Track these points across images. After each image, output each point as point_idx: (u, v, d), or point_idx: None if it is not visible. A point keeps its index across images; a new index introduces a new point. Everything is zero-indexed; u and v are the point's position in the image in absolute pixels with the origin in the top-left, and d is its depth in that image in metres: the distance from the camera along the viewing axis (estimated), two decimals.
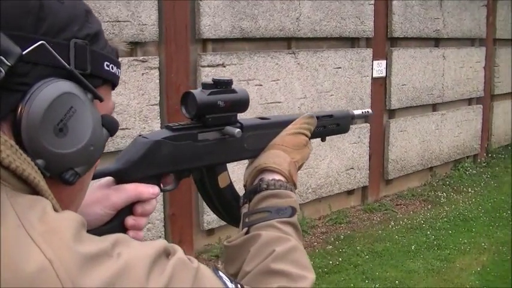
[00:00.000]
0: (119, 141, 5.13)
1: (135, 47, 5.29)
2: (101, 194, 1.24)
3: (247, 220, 1.33)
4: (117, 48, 1.06)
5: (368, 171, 7.76)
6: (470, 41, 9.64)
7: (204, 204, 5.64)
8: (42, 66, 0.89)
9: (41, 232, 0.80)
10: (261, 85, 6.21)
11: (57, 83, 0.89)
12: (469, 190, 8.54)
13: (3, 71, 0.82)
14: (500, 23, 10.21)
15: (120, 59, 1.05)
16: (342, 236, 6.71)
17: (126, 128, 5.21)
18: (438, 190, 8.48)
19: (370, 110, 1.83)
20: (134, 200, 1.25)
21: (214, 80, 1.39)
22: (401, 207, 7.81)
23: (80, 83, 0.92)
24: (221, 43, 5.94)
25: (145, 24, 5.25)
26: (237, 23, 5.91)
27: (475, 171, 9.47)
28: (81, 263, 0.79)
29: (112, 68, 1.01)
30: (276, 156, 1.44)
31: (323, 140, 1.69)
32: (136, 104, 5.27)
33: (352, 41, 7.43)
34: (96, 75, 0.97)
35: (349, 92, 7.25)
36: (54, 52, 0.89)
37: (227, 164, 1.49)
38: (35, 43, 0.87)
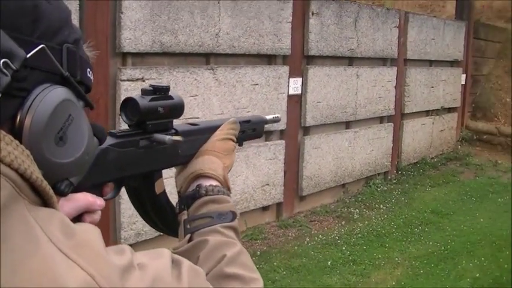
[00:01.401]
0: None
1: None
2: None
3: (188, 226, 1.33)
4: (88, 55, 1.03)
5: (283, 188, 7.81)
6: (382, 61, 9.88)
7: (122, 219, 5.59)
8: (39, 71, 0.84)
9: (71, 246, 0.76)
10: None
11: (57, 89, 0.86)
12: (381, 206, 8.71)
13: (9, 75, 0.76)
14: (411, 43, 10.50)
15: None
16: (259, 252, 6.72)
17: None
18: (351, 206, 8.60)
19: (279, 115, 1.86)
20: (84, 209, 1.20)
21: (153, 86, 1.38)
22: (315, 224, 7.88)
23: (73, 89, 0.89)
24: (141, 57, 5.88)
25: None
26: (157, 37, 5.87)
27: (385, 188, 9.68)
28: (119, 274, 0.78)
29: (91, 74, 0.98)
30: (210, 162, 1.45)
31: (240, 144, 1.69)
32: None
33: (269, 58, 7.49)
34: (83, 82, 0.95)
35: (266, 108, 7.29)
36: (52, 57, 0.85)
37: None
38: (35, 47, 0.82)
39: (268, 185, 7.54)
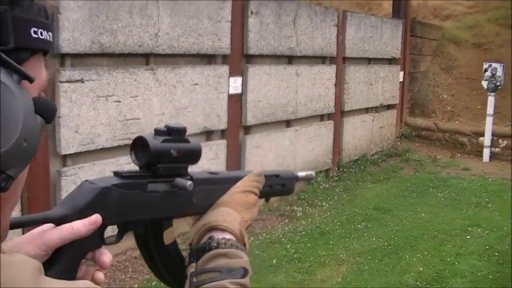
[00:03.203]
0: None
1: None
2: (36, 234, 1.09)
3: (194, 280, 1.22)
4: (45, 6, 0.87)
5: None
6: (322, 59, 9.92)
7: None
8: None
9: None
10: (119, 101, 6.08)
11: None
12: (324, 204, 8.73)
13: None
14: (349, 42, 10.57)
15: None
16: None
17: None
18: (294, 205, 8.59)
19: (312, 173, 1.71)
20: (70, 237, 1.09)
21: (167, 127, 1.29)
22: (258, 222, 7.84)
23: (2, 63, 0.75)
24: (80, 58, 5.77)
25: None
26: (96, 37, 5.77)
27: (328, 185, 9.72)
28: None
29: (41, 34, 0.83)
30: (226, 214, 1.33)
31: (267, 200, 1.59)
32: None
33: (209, 58, 7.45)
34: (22, 48, 0.81)
35: (207, 108, 7.26)
36: None
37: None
38: None
39: None
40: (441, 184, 10.10)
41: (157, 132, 1.28)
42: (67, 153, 5.69)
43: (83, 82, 5.66)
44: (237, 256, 1.25)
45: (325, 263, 6.46)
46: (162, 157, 1.27)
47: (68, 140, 5.63)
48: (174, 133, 1.29)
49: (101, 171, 5.96)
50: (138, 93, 6.31)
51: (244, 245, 1.32)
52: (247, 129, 8.25)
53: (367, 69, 11.41)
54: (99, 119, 5.90)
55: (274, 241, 7.12)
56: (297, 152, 9.22)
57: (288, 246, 6.93)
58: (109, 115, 6.00)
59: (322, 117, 10.08)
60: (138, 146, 1.27)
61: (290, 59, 9.05)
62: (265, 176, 1.51)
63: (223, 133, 7.71)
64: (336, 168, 10.57)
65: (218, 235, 1.29)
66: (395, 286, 5.90)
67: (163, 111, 6.64)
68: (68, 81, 5.53)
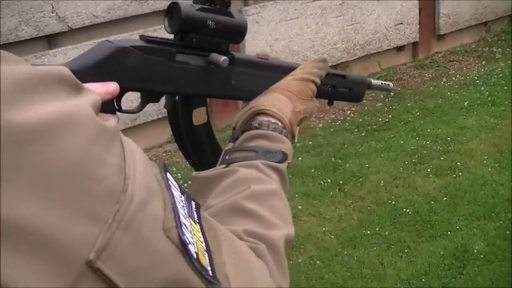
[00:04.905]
0: (153, 2, 4.92)
1: None
2: None
3: (227, 157, 1.12)
4: None
5: (418, 27, 7.42)
6: None
7: None
8: None
9: None
10: None
11: None
12: None
13: None
14: None
15: None
16: (392, 93, 6.49)
17: None
18: (493, 46, 8.07)
19: (391, 84, 1.55)
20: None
21: None
22: (453, 64, 7.50)
23: None
24: None
25: None
26: None
27: None
28: None
29: None
30: (277, 100, 1.22)
31: (330, 103, 1.44)
32: None
33: None
34: None
35: None
36: None
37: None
38: None
39: (402, 23, 7.18)
40: None
41: (197, 0, 1.14)
42: None
43: None
44: (279, 140, 1.14)
45: None
46: (196, 27, 1.15)
47: None
48: (216, 3, 1.15)
49: (284, 9, 5.85)
50: None
51: (293, 136, 1.22)
52: None
53: None
54: None
55: (468, 83, 6.77)
56: None
57: (483, 88, 6.56)
58: None
59: None
60: (172, 11, 1.14)
61: None
62: (330, 74, 1.36)
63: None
64: None
65: (263, 118, 1.18)
66: None
67: None
68: None
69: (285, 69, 1.29)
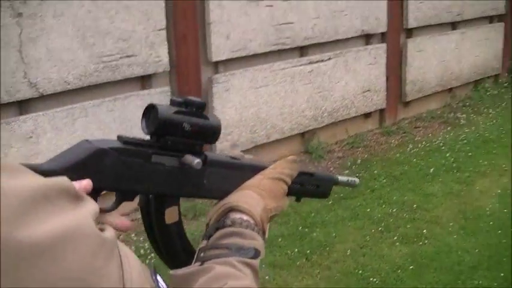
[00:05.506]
0: (125, 70, 4.98)
1: None
2: None
3: (202, 255, 1.16)
4: None
5: (385, 93, 7.56)
6: None
7: None
8: None
9: None
10: (271, 6, 5.99)
11: None
12: (490, 111, 8.32)
13: None
14: None
15: None
16: (359, 160, 6.58)
17: (133, 55, 5.05)
18: (458, 112, 8.27)
19: (357, 180, 1.58)
20: None
21: (185, 99, 1.20)
22: (419, 130, 7.64)
23: None
24: None
25: None
26: None
27: (496, 92, 9.21)
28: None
29: None
30: (249, 197, 1.26)
31: (298, 200, 1.47)
32: (143, 30, 5.09)
33: None
34: None
35: (365, 10, 7.00)
36: None
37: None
38: None
39: (369, 90, 7.31)
40: None
41: (173, 102, 1.19)
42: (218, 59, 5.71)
43: None
44: (251, 237, 1.18)
45: (486, 173, 6.16)
46: (173, 129, 1.18)
47: (219, 47, 5.63)
48: (191, 106, 1.19)
49: (253, 77, 5.95)
50: None
51: (264, 232, 1.24)
52: (409, 32, 7.91)
53: None
54: (250, 24, 5.84)
55: (433, 149, 6.90)
56: (463, 56, 8.74)
57: (448, 155, 6.67)
58: (261, 20, 5.92)
59: (491, 19, 9.46)
60: (149, 113, 1.18)
61: None
62: (299, 172, 1.39)
63: (383, 36, 7.45)
64: (506, 74, 9.97)
65: (235, 215, 1.22)
66: None
67: (318, 15, 6.47)
68: None
69: (256, 169, 1.33)
